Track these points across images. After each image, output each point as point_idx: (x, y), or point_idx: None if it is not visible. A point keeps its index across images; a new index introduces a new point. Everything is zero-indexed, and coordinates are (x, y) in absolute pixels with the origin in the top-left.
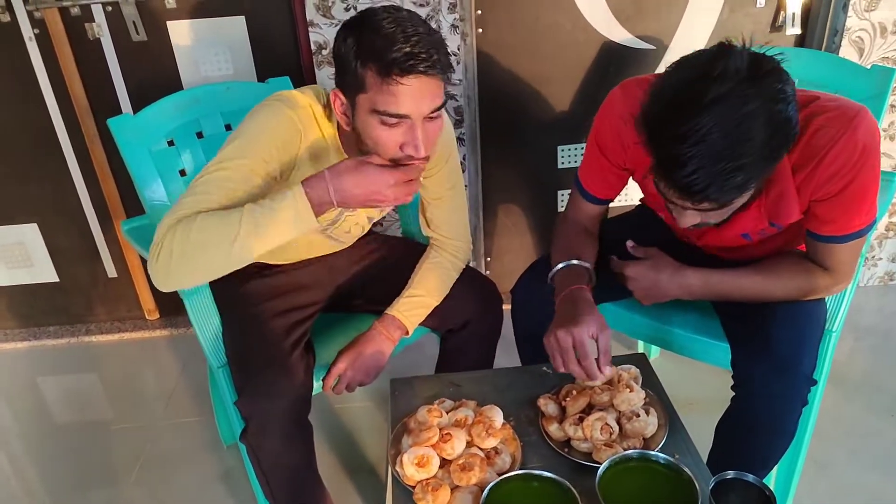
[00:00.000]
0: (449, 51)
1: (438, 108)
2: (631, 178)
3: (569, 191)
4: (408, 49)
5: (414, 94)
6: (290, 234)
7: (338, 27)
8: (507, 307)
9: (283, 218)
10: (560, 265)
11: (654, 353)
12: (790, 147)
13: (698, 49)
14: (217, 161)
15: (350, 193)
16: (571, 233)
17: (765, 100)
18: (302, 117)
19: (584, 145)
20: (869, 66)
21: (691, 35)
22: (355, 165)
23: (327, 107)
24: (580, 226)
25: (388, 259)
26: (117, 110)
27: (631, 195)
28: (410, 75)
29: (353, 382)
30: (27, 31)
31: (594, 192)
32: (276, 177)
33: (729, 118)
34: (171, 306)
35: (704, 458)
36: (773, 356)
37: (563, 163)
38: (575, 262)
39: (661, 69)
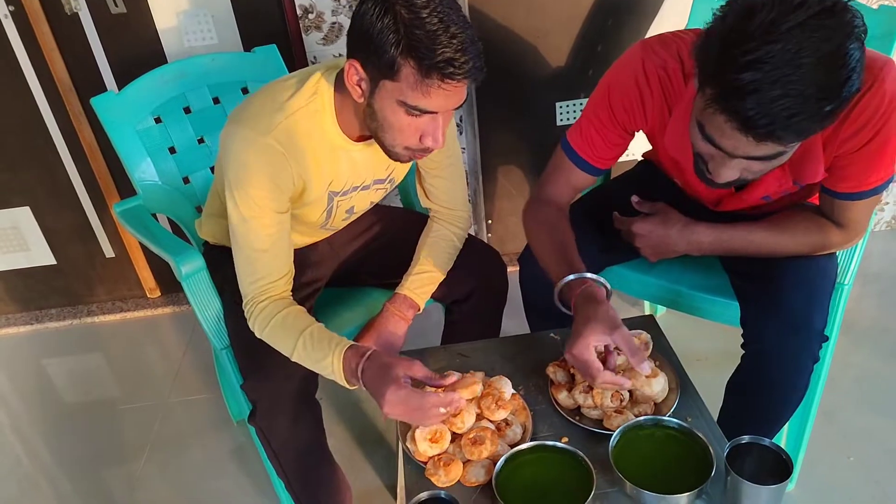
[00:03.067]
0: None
1: (463, 103)
2: (646, 138)
3: None
4: (450, 54)
5: (448, 96)
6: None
7: None
8: (512, 269)
9: (318, 367)
10: (568, 279)
11: (660, 310)
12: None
13: None
14: (236, 226)
15: (370, 390)
16: (559, 226)
17: (847, 34)
18: (279, 137)
19: (584, 101)
20: (876, 7)
21: None
22: (385, 382)
23: (316, 94)
24: (561, 209)
25: (389, 231)
26: (101, 86)
27: (633, 149)
28: (452, 81)
29: None
30: (2, 9)
31: (591, 159)
32: (294, 195)
33: (819, 45)
34: (172, 284)
35: (715, 416)
36: (785, 314)
37: (561, 120)
38: (574, 277)
39: (659, 18)
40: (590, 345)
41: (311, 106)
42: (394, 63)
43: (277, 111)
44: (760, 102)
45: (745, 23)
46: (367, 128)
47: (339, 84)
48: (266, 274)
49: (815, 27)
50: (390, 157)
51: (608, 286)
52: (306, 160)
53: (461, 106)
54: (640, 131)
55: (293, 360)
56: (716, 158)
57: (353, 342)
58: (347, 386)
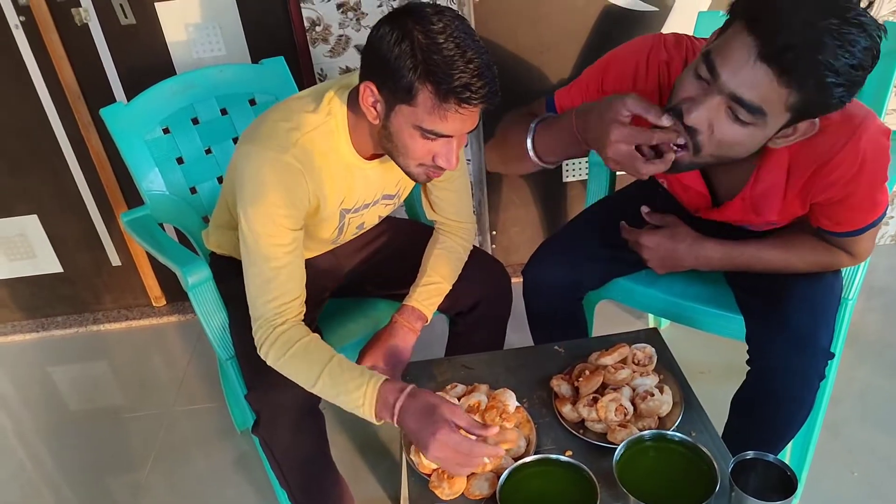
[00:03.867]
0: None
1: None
2: None
3: (575, 160)
4: (467, 79)
5: (464, 120)
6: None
7: (329, 2)
8: (516, 280)
9: (346, 400)
10: (537, 120)
11: (664, 323)
12: (850, 98)
13: None
14: (250, 243)
15: (409, 429)
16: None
17: (871, 33)
18: (297, 155)
19: None
20: (880, 22)
21: None
22: (433, 422)
23: (329, 114)
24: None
25: (394, 242)
26: (109, 97)
27: None
28: (468, 106)
29: None
30: (13, 19)
31: None
32: (310, 211)
33: (842, 29)
34: (178, 293)
35: (719, 430)
36: (790, 332)
37: None
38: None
39: (664, 31)
40: (619, 123)
41: (326, 126)
42: (411, 88)
43: (294, 130)
44: (783, 12)
45: None
46: (382, 147)
47: (353, 103)
48: (282, 293)
49: (854, 19)
50: (409, 176)
51: None
52: (321, 178)
53: (475, 129)
54: None
55: (312, 389)
56: (697, 98)
57: (386, 376)
58: (373, 420)
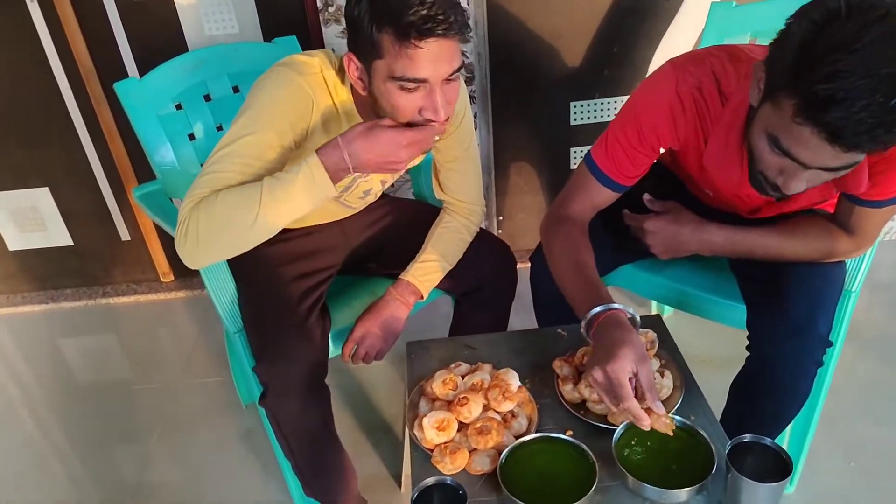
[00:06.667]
0: (466, 11)
1: (457, 70)
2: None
3: (582, 147)
4: (424, 11)
5: (432, 58)
6: (308, 204)
7: None
8: (522, 265)
9: (300, 188)
10: (595, 311)
11: (668, 311)
12: None
13: None
14: (230, 137)
15: (364, 158)
16: (581, 246)
17: None
18: (312, 84)
19: (597, 101)
20: None
21: None
22: (366, 129)
23: (340, 70)
24: (582, 228)
25: (401, 222)
26: (122, 72)
27: None
28: (428, 39)
29: (371, 350)
30: None
31: (616, 177)
32: (291, 147)
33: None
34: (186, 269)
35: (718, 417)
36: (788, 317)
37: (575, 119)
38: (601, 308)
39: (676, 21)
40: (626, 368)
41: (342, 85)
42: (373, 39)
43: (311, 64)
44: (848, 113)
45: (824, 33)
46: (379, 118)
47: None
48: (228, 177)
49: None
50: None
51: (636, 316)
52: (326, 120)
53: (458, 71)
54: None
55: (257, 217)
56: (787, 171)
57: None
58: (333, 187)
